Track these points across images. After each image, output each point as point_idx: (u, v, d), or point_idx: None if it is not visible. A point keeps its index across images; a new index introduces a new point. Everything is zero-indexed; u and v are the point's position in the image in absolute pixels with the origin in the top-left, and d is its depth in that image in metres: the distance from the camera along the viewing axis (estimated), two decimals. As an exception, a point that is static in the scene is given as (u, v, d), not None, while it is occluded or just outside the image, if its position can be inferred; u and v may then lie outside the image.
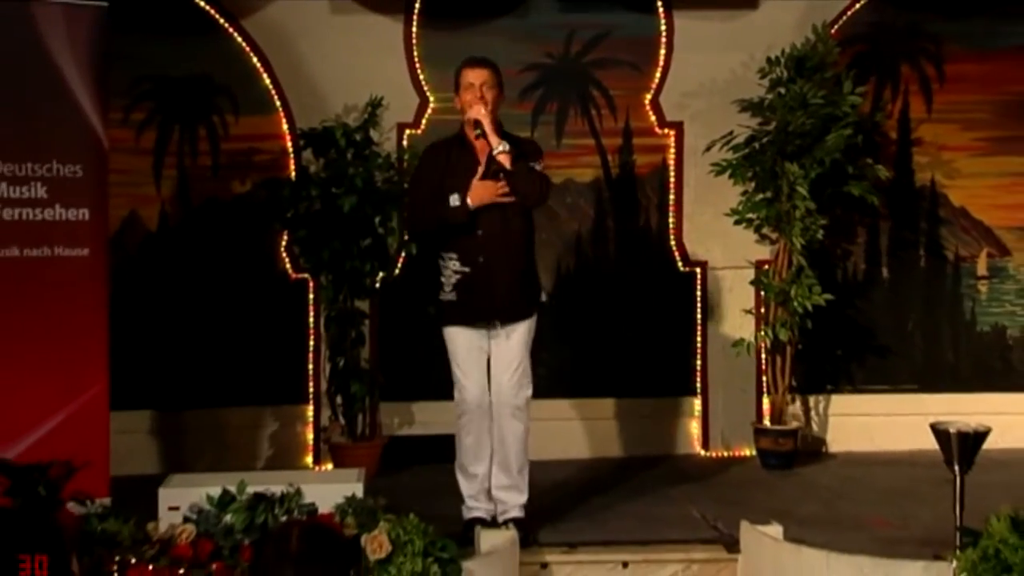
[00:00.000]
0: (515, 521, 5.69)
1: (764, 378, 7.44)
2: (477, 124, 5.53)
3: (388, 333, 7.29)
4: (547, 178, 5.69)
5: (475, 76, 5.60)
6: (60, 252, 5.78)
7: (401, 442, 7.29)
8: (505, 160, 5.50)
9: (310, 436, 7.29)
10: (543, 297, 5.87)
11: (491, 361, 5.73)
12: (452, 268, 5.67)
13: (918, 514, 6.17)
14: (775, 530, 5.49)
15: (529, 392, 5.70)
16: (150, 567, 4.86)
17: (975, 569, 4.88)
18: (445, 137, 5.91)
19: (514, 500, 5.74)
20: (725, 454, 7.51)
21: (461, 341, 5.69)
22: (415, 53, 7.35)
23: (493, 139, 5.51)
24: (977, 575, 4.88)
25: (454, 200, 5.55)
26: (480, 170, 5.58)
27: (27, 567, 3.24)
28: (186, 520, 5.04)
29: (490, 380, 5.72)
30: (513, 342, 5.67)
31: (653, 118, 7.51)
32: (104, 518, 5.04)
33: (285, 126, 7.28)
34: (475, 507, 5.75)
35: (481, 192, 5.54)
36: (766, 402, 7.42)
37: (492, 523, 5.68)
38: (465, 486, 5.78)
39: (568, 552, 5.63)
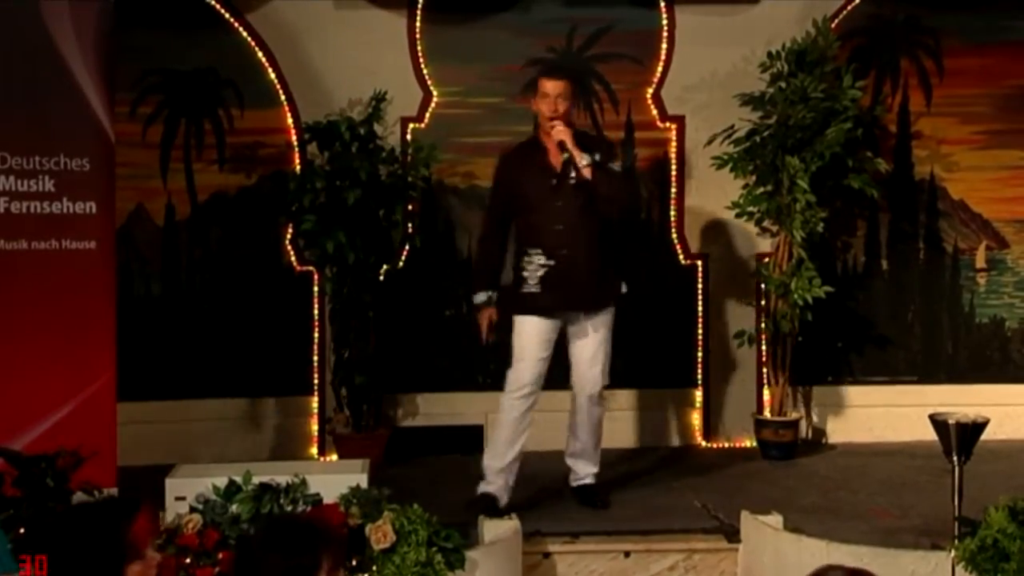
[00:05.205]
0: (587, 487, 6.11)
1: (765, 370, 7.47)
2: (562, 146, 5.77)
3: (392, 325, 7.32)
4: (626, 178, 6.03)
5: (551, 87, 5.88)
6: (68, 245, 5.82)
7: (405, 433, 7.32)
8: (588, 173, 5.76)
9: (315, 427, 7.32)
10: (623, 288, 6.08)
11: (572, 351, 5.99)
12: (537, 262, 5.87)
13: (917, 504, 6.21)
14: (775, 520, 5.53)
15: (607, 381, 6.03)
16: (157, 556, 4.92)
17: (973, 558, 4.93)
18: (518, 143, 6.22)
19: (587, 470, 6.13)
20: (726, 445, 7.54)
21: (532, 330, 5.90)
22: (419, 47, 7.37)
23: (577, 154, 5.76)
24: (975, 564, 4.93)
25: (479, 298, 6.06)
26: (555, 179, 5.85)
27: (27, 567, 3.29)
28: (192, 510, 5.08)
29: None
30: (599, 334, 5.95)
31: (655, 112, 7.53)
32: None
33: (290, 120, 7.29)
34: (493, 481, 5.91)
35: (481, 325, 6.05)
36: (767, 393, 7.44)
37: (498, 508, 5.81)
38: (491, 462, 5.93)
39: (570, 542, 5.67)
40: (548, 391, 6.72)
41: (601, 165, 5.84)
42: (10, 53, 5.76)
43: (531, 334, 5.89)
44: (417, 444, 7.28)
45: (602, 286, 5.97)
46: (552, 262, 5.85)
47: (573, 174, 5.79)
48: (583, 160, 5.77)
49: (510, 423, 5.92)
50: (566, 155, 5.77)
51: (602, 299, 5.97)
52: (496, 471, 5.92)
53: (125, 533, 3.15)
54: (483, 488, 5.92)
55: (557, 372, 7.12)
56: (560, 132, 5.80)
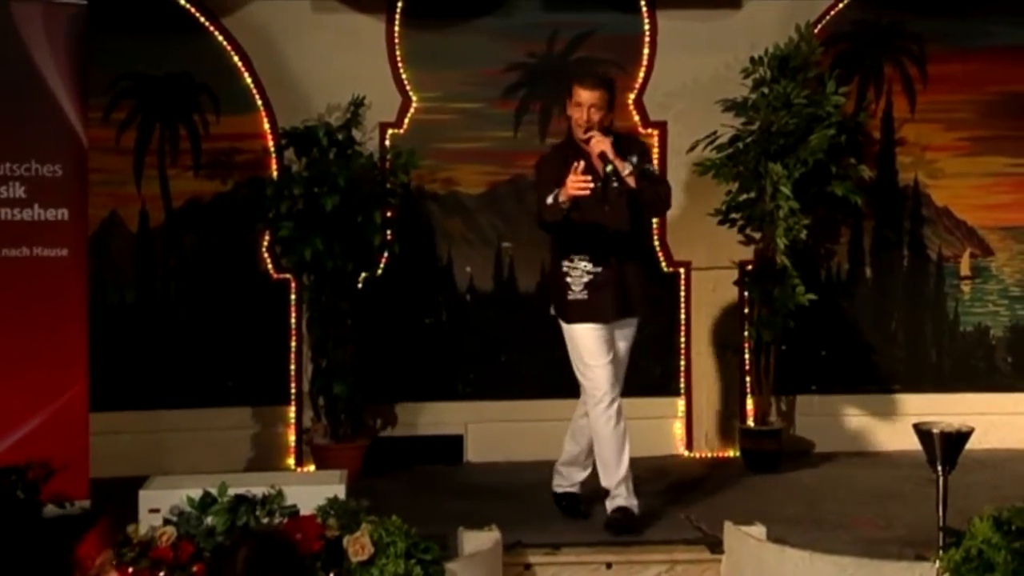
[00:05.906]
0: (573, 495, 6.17)
1: (748, 378, 7.43)
2: (604, 157, 5.65)
3: (371, 334, 7.26)
4: (665, 181, 6.02)
5: (586, 97, 5.80)
6: (39, 252, 5.78)
7: (384, 443, 7.26)
8: (632, 182, 5.67)
9: (292, 437, 7.27)
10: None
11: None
12: (583, 268, 5.82)
13: (901, 514, 6.18)
14: (758, 530, 5.50)
15: None
16: (130, 570, 4.85)
17: (958, 569, 4.88)
18: (554, 145, 6.20)
19: (579, 477, 6.17)
20: (709, 455, 7.50)
21: (591, 336, 5.82)
22: (397, 52, 7.33)
23: (620, 164, 5.65)
24: (960, 575, 4.89)
25: (550, 198, 5.65)
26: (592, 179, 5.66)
27: None
28: (167, 522, 5.02)
29: None
30: (630, 341, 5.95)
31: (637, 118, 7.50)
32: (84, 520, 5.02)
33: (267, 125, 7.24)
34: (619, 494, 5.87)
35: (570, 189, 5.54)
36: (750, 403, 7.40)
37: (636, 516, 5.88)
38: (609, 480, 5.88)
39: (551, 553, 5.62)
40: (532, 400, 6.69)
41: (644, 171, 5.79)
42: (-20, 58, 5.69)
43: (588, 341, 5.81)
44: (396, 454, 7.23)
45: (645, 289, 5.97)
46: (599, 269, 5.80)
47: (616, 183, 5.66)
48: (626, 169, 5.67)
49: (610, 438, 5.83)
50: (610, 167, 5.62)
51: (644, 302, 5.97)
52: (616, 484, 5.87)
53: (72, 551, 3.08)
54: (617, 503, 5.86)
55: (538, 380, 7.11)
56: (599, 143, 5.68)
